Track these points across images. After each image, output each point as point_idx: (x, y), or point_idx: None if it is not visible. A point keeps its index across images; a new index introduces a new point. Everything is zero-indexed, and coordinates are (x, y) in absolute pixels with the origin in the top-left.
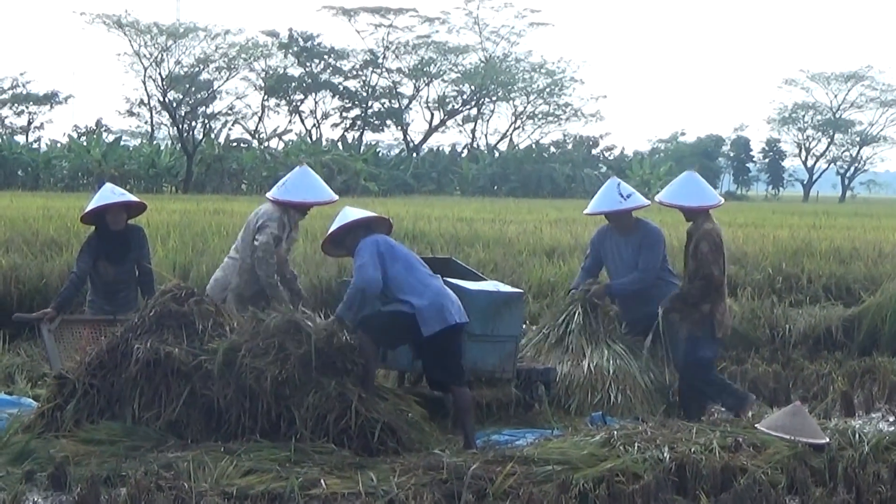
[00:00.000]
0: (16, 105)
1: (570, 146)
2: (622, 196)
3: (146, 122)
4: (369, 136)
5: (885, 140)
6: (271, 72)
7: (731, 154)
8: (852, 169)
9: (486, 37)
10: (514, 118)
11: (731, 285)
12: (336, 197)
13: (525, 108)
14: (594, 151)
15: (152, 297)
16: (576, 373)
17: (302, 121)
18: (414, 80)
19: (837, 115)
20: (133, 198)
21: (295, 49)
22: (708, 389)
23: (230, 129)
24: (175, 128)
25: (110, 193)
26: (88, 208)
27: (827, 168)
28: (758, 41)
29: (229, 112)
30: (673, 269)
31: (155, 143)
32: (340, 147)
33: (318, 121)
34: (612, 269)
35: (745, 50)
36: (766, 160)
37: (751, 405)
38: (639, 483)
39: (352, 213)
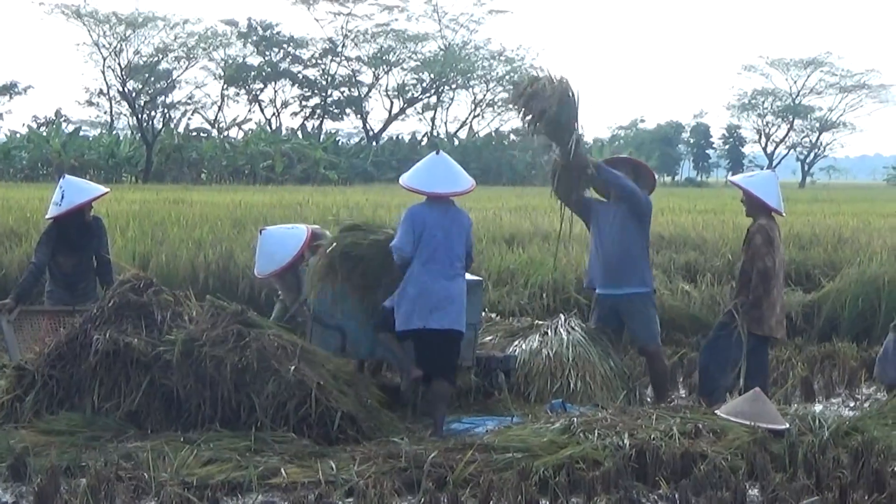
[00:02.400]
0: None
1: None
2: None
3: (105, 112)
4: (329, 125)
5: (844, 126)
6: (230, 61)
7: (691, 140)
8: (812, 155)
9: (445, 25)
10: (473, 106)
11: (690, 271)
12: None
13: (484, 95)
14: None
15: (111, 287)
16: (535, 360)
17: (261, 110)
18: (373, 69)
19: (797, 101)
20: (103, 189)
21: (254, 38)
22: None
23: (190, 119)
24: (134, 118)
25: (88, 188)
26: (67, 207)
27: (787, 154)
28: (717, 27)
29: (189, 101)
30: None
31: (114, 133)
32: (300, 136)
33: (277, 109)
34: (602, 230)
35: (705, 36)
36: (726, 146)
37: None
38: (599, 470)
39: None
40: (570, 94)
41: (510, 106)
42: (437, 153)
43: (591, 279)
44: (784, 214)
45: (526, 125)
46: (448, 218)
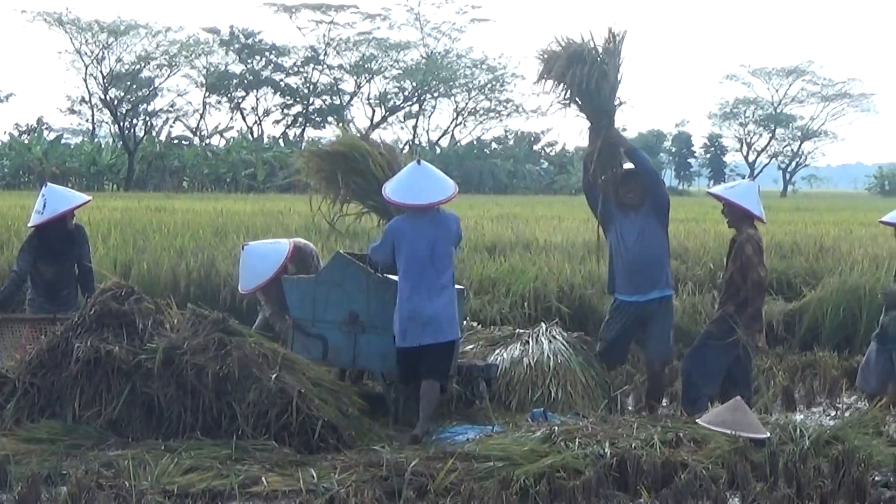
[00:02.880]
0: None
1: (511, 142)
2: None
3: (87, 120)
4: (311, 133)
5: (825, 135)
6: (212, 69)
7: (673, 149)
8: (793, 164)
9: (427, 33)
10: (455, 114)
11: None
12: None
13: (466, 104)
14: (536, 147)
15: (93, 295)
16: (516, 369)
17: (243, 118)
18: (355, 77)
19: (779, 110)
20: (85, 198)
21: (236, 46)
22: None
23: (171, 127)
24: (116, 125)
25: (70, 196)
26: (49, 215)
27: (768, 163)
28: (699, 36)
29: (170, 109)
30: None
31: (96, 140)
32: (282, 144)
33: (259, 118)
34: (624, 237)
35: (687, 45)
36: (708, 155)
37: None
38: (580, 479)
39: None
40: (618, 60)
41: (543, 76)
42: (419, 163)
43: (613, 285)
44: (766, 222)
45: (558, 97)
46: (434, 227)
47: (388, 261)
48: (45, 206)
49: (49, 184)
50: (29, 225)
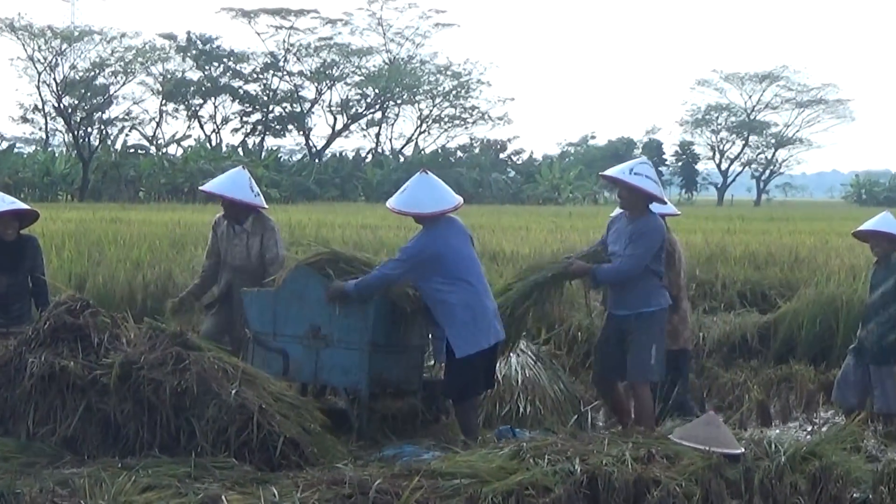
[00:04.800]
0: None
1: (477, 150)
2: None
3: (40, 129)
4: (270, 142)
5: (800, 142)
6: (169, 76)
7: (644, 157)
8: (768, 172)
9: (390, 38)
10: (419, 122)
11: None
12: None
13: (431, 111)
14: (502, 156)
15: (46, 309)
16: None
17: (201, 126)
18: (316, 84)
19: (752, 117)
20: (24, 205)
21: (193, 52)
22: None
23: (127, 135)
24: (70, 134)
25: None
26: None
27: (742, 171)
28: (669, 41)
29: (126, 117)
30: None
31: (50, 150)
32: (241, 153)
33: (217, 126)
34: (613, 252)
35: (657, 50)
36: (680, 163)
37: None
38: (549, 496)
39: None
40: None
41: None
42: (426, 173)
43: (603, 297)
44: (668, 202)
45: None
46: (461, 230)
47: (411, 278)
48: None
49: None
50: None
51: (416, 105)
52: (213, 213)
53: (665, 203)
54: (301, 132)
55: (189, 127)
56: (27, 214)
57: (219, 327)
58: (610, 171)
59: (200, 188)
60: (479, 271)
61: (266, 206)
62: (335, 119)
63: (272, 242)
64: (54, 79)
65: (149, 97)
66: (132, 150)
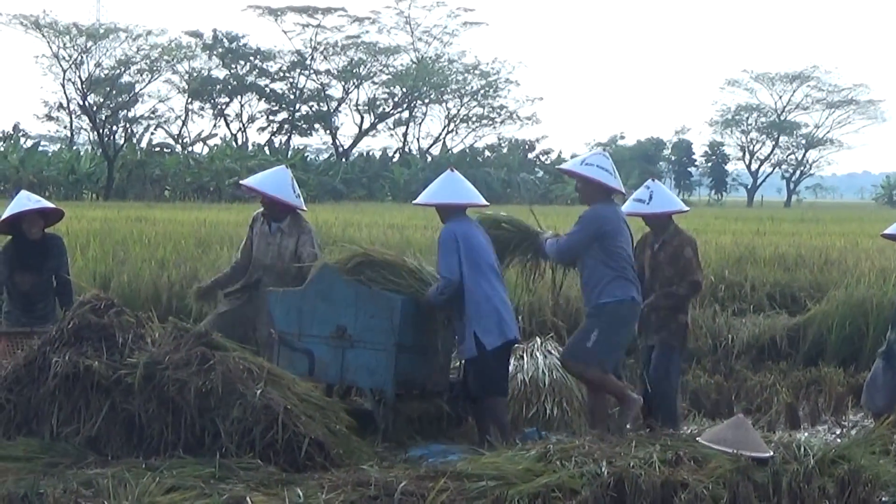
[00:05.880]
0: None
1: (505, 150)
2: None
3: (66, 127)
4: (297, 141)
5: (831, 143)
6: (195, 74)
7: (673, 158)
8: (798, 173)
9: (417, 37)
10: (447, 121)
11: None
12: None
13: (458, 110)
14: (530, 155)
15: (71, 308)
16: (511, 385)
17: (227, 124)
18: (343, 82)
19: (782, 117)
20: (49, 204)
21: (219, 50)
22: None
23: (153, 134)
24: (95, 132)
25: (25, 200)
26: (2, 217)
27: (772, 172)
28: (700, 41)
29: (152, 116)
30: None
31: (74, 148)
32: (267, 152)
33: (243, 124)
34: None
35: (687, 50)
36: (709, 164)
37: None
38: (576, 499)
39: None
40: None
41: None
42: (452, 171)
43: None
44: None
45: None
46: (484, 233)
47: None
48: (10, 207)
49: (22, 190)
50: None
51: (443, 104)
52: (239, 213)
53: (616, 191)
54: (328, 131)
55: (215, 125)
56: (52, 213)
57: (233, 319)
58: (564, 165)
59: (241, 182)
60: (496, 266)
61: (305, 208)
62: (362, 118)
63: (308, 245)
64: (79, 76)
65: (174, 95)
66: (157, 149)
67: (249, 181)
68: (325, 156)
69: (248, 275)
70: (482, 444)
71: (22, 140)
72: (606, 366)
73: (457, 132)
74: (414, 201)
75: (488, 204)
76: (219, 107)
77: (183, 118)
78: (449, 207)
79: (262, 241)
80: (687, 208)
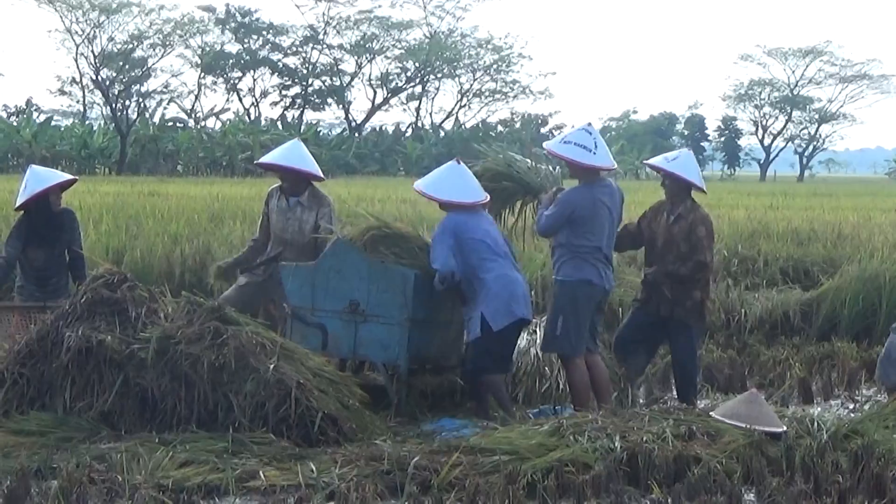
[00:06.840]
0: None
1: (518, 125)
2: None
3: (78, 102)
4: (310, 115)
5: (844, 118)
6: (208, 48)
7: (686, 133)
8: (811, 147)
9: (430, 11)
10: (459, 96)
11: None
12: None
13: (471, 85)
14: (543, 130)
15: (84, 282)
16: (523, 360)
17: (240, 99)
18: (356, 57)
19: (795, 92)
20: (67, 175)
21: (232, 25)
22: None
23: (165, 109)
24: (108, 107)
25: (49, 175)
26: (27, 195)
27: (785, 146)
28: (713, 15)
29: (164, 90)
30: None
31: (87, 122)
32: (280, 126)
33: (256, 99)
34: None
35: (700, 25)
36: (722, 139)
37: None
38: (589, 473)
39: None
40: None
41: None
42: (458, 163)
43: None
44: (706, 192)
45: None
46: (490, 221)
47: (446, 265)
48: (25, 187)
49: (32, 165)
50: (15, 207)
51: (456, 79)
52: (252, 188)
53: (598, 168)
54: (340, 106)
55: (228, 100)
56: (68, 184)
57: (249, 293)
58: (546, 143)
59: (257, 161)
60: (506, 249)
61: (323, 176)
62: (375, 93)
63: (327, 218)
64: (92, 51)
65: (187, 70)
66: (170, 124)
67: (268, 158)
68: (338, 131)
69: (268, 250)
70: (484, 418)
71: (35, 115)
72: (578, 349)
73: (469, 107)
74: (415, 186)
75: (489, 200)
76: (231, 81)
77: (196, 93)
78: (450, 206)
79: (282, 216)
80: (704, 188)
